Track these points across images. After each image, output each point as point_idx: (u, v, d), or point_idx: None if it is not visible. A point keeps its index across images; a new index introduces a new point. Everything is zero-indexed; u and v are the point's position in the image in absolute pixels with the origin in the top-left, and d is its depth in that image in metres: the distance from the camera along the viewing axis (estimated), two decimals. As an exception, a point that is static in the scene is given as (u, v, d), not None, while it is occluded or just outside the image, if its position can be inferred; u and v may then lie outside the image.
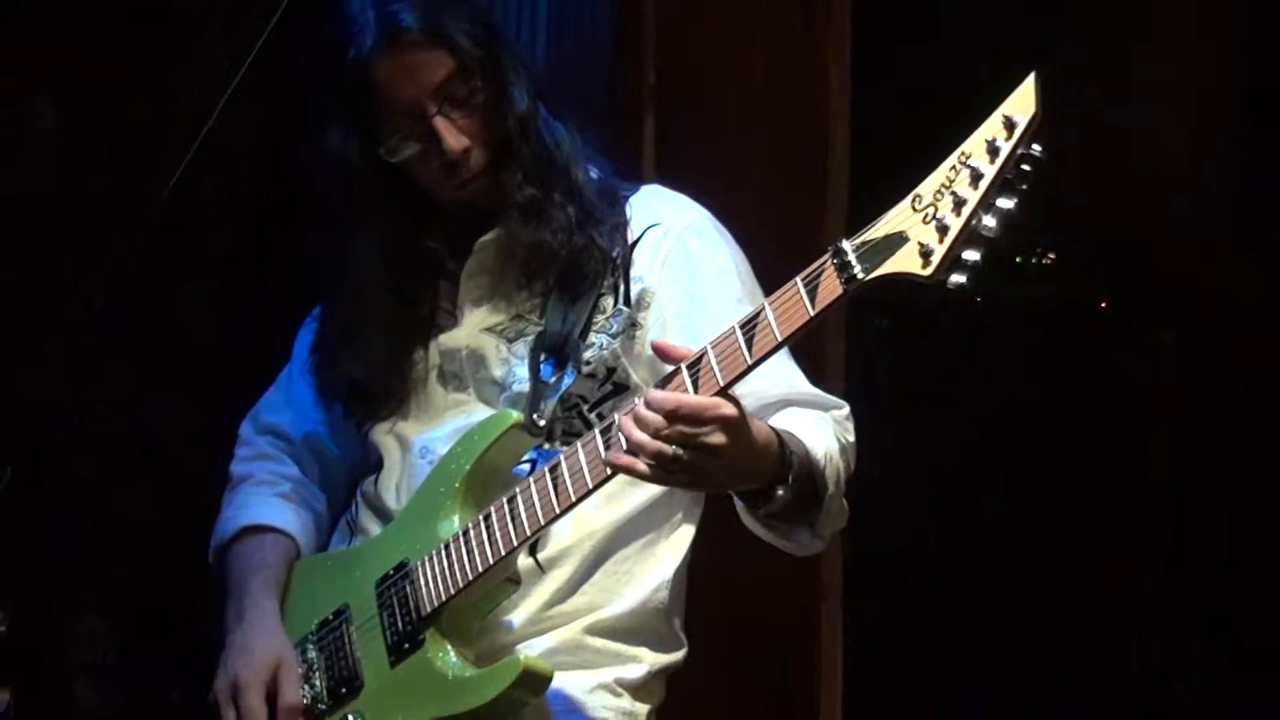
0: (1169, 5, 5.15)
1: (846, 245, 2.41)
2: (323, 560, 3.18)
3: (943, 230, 2.30)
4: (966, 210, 2.28)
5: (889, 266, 2.36)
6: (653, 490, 3.02)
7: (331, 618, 3.06)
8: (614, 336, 3.02)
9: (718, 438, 2.54)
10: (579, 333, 3.01)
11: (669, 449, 2.55)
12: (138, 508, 4.52)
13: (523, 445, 2.96)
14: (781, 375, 2.94)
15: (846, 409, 2.98)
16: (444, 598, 2.89)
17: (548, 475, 2.77)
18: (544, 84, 3.12)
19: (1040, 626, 5.05)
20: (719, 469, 2.59)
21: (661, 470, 2.58)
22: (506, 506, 2.82)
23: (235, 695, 2.98)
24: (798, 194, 4.39)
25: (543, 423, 2.96)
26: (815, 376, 4.27)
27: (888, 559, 5.02)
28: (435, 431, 3.08)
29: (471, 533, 2.87)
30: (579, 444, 2.73)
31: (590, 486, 2.72)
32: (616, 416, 2.66)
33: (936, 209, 2.31)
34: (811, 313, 2.45)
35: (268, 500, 3.24)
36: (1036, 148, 2.26)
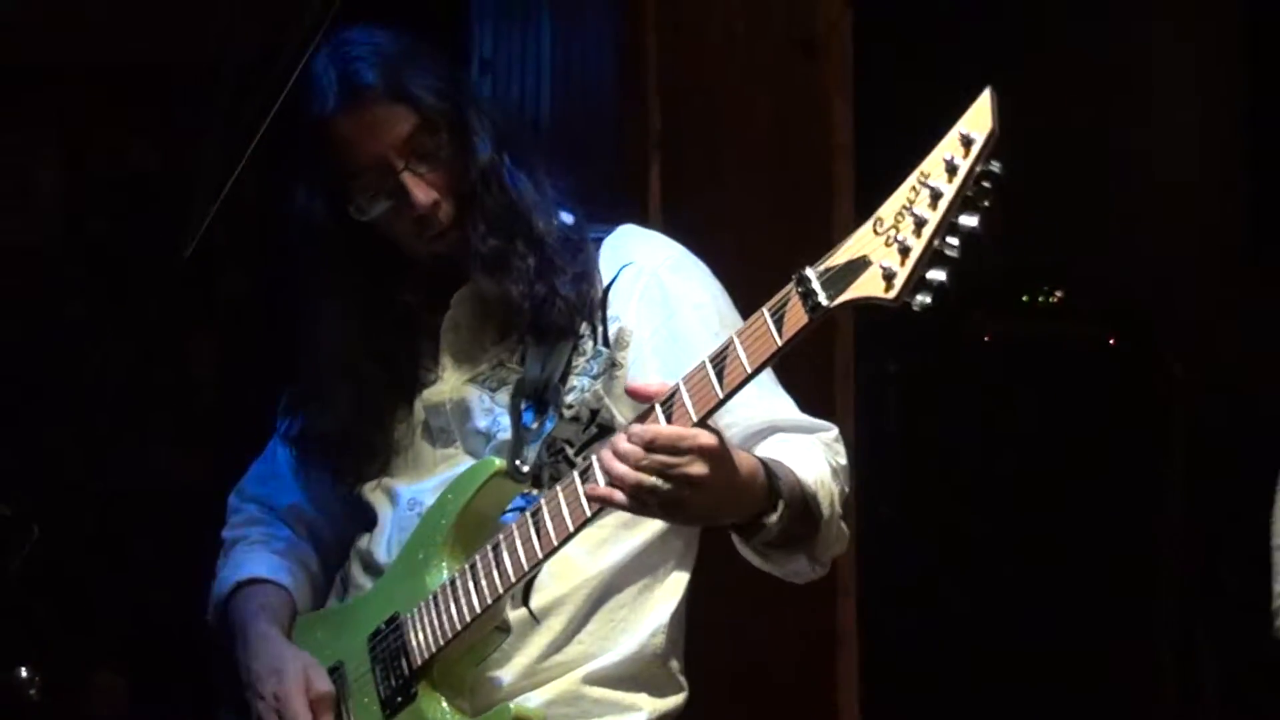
0: (1171, 47, 5.12)
1: (810, 273, 2.37)
2: (317, 618, 3.14)
3: (905, 252, 2.25)
4: (927, 230, 2.23)
5: (853, 292, 2.32)
6: (645, 536, 2.98)
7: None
8: (595, 378, 2.98)
9: (697, 468, 2.50)
10: (559, 377, 2.97)
11: (647, 480, 2.51)
12: (147, 560, 4.51)
13: (508, 492, 2.92)
14: (765, 404, 2.89)
15: (835, 431, 2.93)
16: (434, 649, 2.85)
17: (530, 520, 2.72)
18: (509, 133, 3.08)
19: (1057, 667, 4.99)
20: (701, 499, 2.54)
21: (639, 502, 2.54)
22: (491, 554, 2.78)
23: (279, 710, 2.94)
24: (804, 232, 4.35)
25: (526, 469, 2.91)
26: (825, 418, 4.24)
27: (901, 600, 4.96)
28: (424, 484, 3.05)
29: (458, 582, 2.83)
30: (558, 487, 2.69)
31: (571, 529, 2.67)
32: (594, 457, 2.62)
33: (898, 231, 2.27)
34: (779, 342, 2.40)
35: (261, 556, 3.21)
36: (995, 164, 2.21)
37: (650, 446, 2.50)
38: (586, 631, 2.97)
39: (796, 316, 2.38)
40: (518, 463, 2.92)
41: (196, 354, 4.70)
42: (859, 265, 2.31)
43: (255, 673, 3.00)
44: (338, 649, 3.01)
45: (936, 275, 2.25)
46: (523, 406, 2.97)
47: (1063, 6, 5.14)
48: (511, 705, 2.82)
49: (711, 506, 2.59)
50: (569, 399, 2.96)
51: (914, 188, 2.26)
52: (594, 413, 2.96)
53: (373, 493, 3.11)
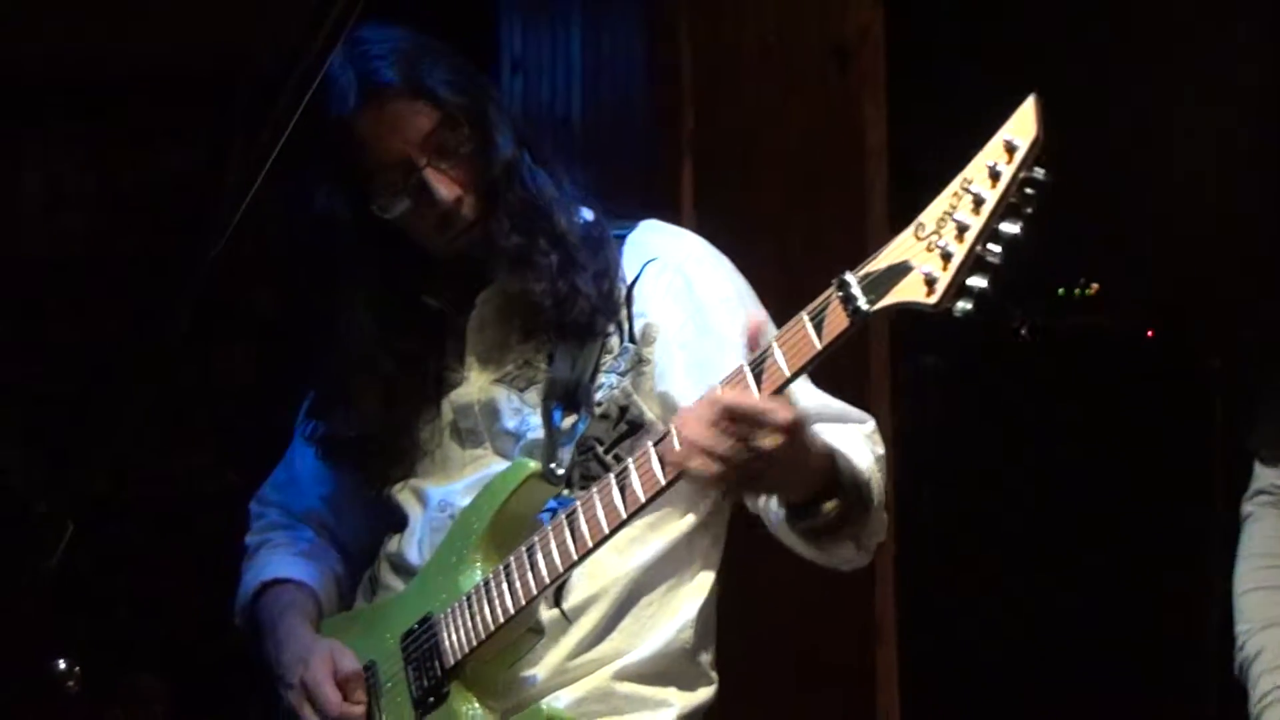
0: (1216, 40, 5.06)
1: (850, 277, 2.34)
2: (348, 618, 3.13)
3: (946, 258, 2.22)
4: (970, 236, 2.20)
5: (894, 296, 2.29)
6: (673, 535, 2.97)
7: None
8: (622, 374, 2.96)
9: (771, 440, 2.45)
10: (588, 376, 2.95)
11: (725, 447, 2.45)
12: (183, 564, 4.52)
13: (542, 494, 2.90)
14: (804, 393, 2.85)
15: (872, 423, 2.92)
16: (467, 650, 2.83)
17: (565, 523, 2.71)
18: (527, 131, 3.06)
19: (1102, 659, 4.96)
20: (774, 474, 2.51)
21: (715, 468, 2.47)
22: (525, 556, 2.77)
23: (309, 695, 2.93)
24: (839, 235, 4.34)
25: (560, 471, 2.90)
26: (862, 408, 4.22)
27: (942, 595, 4.94)
28: (454, 485, 3.03)
29: (492, 583, 2.81)
30: (594, 490, 2.67)
31: (606, 532, 2.66)
32: (629, 461, 2.61)
33: (940, 236, 2.24)
34: (819, 346, 2.38)
35: (286, 558, 3.20)
36: (1039, 171, 2.18)
37: (734, 415, 2.45)
38: (617, 630, 2.96)
39: (837, 321, 2.36)
40: (552, 465, 2.90)
41: (228, 364, 4.70)
42: (900, 270, 2.28)
43: (283, 664, 3.00)
44: (370, 648, 3.00)
45: (978, 282, 2.22)
46: (553, 407, 2.96)
47: (1098, 5, 5.10)
48: (543, 706, 2.82)
49: (779, 481, 2.58)
50: (598, 396, 2.95)
51: (956, 193, 2.23)
52: (623, 410, 2.94)
53: (400, 494, 3.10)
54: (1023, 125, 2.19)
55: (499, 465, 2.98)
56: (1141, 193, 4.97)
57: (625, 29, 4.55)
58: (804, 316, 2.40)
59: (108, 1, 4.73)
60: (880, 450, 2.87)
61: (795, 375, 2.42)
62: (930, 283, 2.24)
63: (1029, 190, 2.19)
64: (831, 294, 2.36)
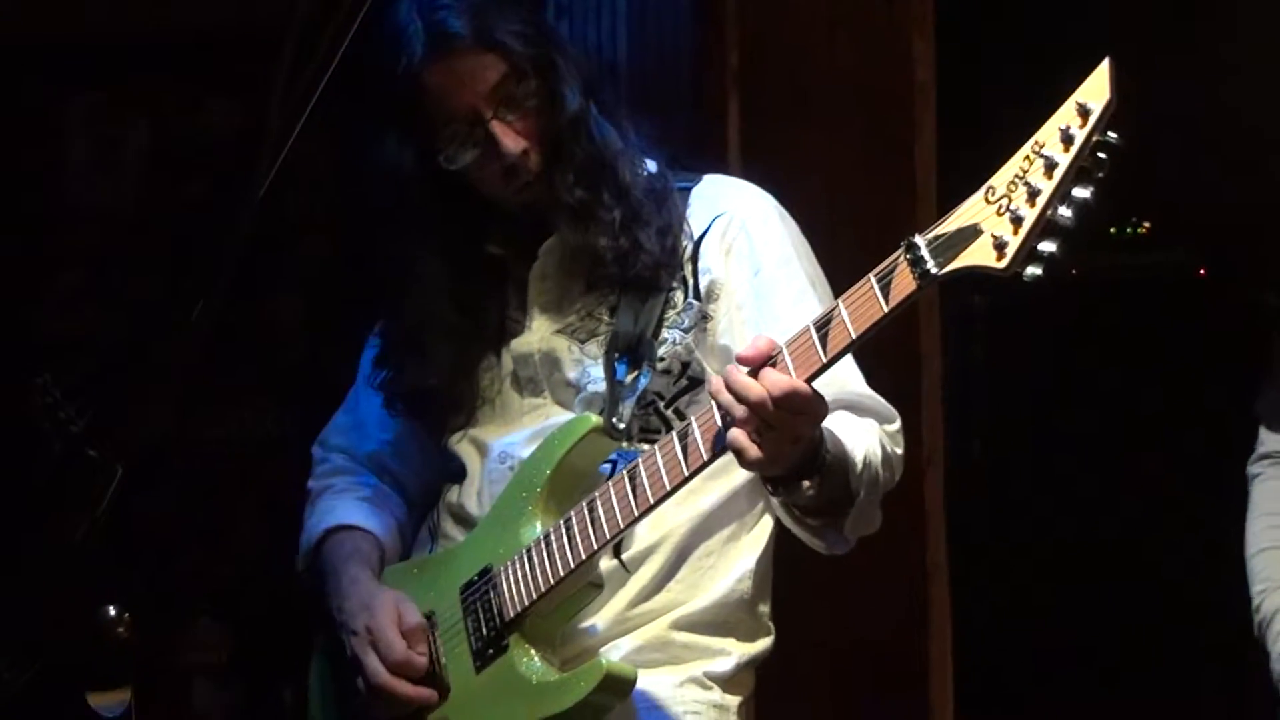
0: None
1: (919, 240, 2.34)
2: (407, 568, 3.13)
3: (1017, 222, 2.22)
4: (1041, 200, 2.20)
5: (963, 260, 2.29)
6: (733, 484, 2.97)
7: None
8: (686, 331, 2.95)
9: (807, 429, 2.52)
10: (651, 331, 2.95)
11: (758, 420, 2.49)
12: (243, 511, 4.54)
13: (603, 448, 2.90)
14: (837, 376, 2.83)
15: (898, 423, 2.92)
16: (527, 603, 2.84)
17: (626, 479, 2.71)
18: (595, 80, 3.04)
19: (1143, 601, 4.95)
20: (793, 453, 2.56)
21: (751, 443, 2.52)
22: (586, 511, 2.77)
23: (373, 642, 2.92)
24: (886, 170, 4.33)
25: (622, 425, 2.90)
26: (911, 359, 4.20)
27: (991, 540, 4.93)
28: (514, 436, 3.02)
29: (553, 537, 2.81)
30: (656, 448, 2.68)
31: (669, 488, 2.66)
32: (693, 419, 2.62)
33: (1010, 200, 2.23)
34: (885, 309, 2.38)
35: (349, 503, 3.20)
36: (1112, 135, 2.17)
37: (775, 393, 2.48)
38: (676, 580, 2.96)
39: (904, 284, 2.35)
40: (614, 420, 2.90)
41: (278, 312, 4.71)
42: (969, 234, 2.28)
43: (348, 611, 2.99)
44: (429, 598, 3.00)
45: (1048, 246, 2.22)
46: (616, 360, 2.95)
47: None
48: (604, 661, 2.80)
49: (778, 455, 2.56)
50: (661, 351, 2.95)
51: (1028, 157, 2.22)
52: (685, 365, 2.94)
53: (460, 444, 3.10)
54: (1097, 88, 2.18)
55: (558, 415, 2.99)
56: (1193, 130, 4.93)
57: (671, -31, 4.52)
58: (871, 279, 2.39)
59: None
60: (899, 451, 2.89)
61: (861, 338, 2.42)
62: (1000, 247, 2.24)
63: (1101, 154, 2.18)
64: (899, 256, 2.35)
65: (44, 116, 4.88)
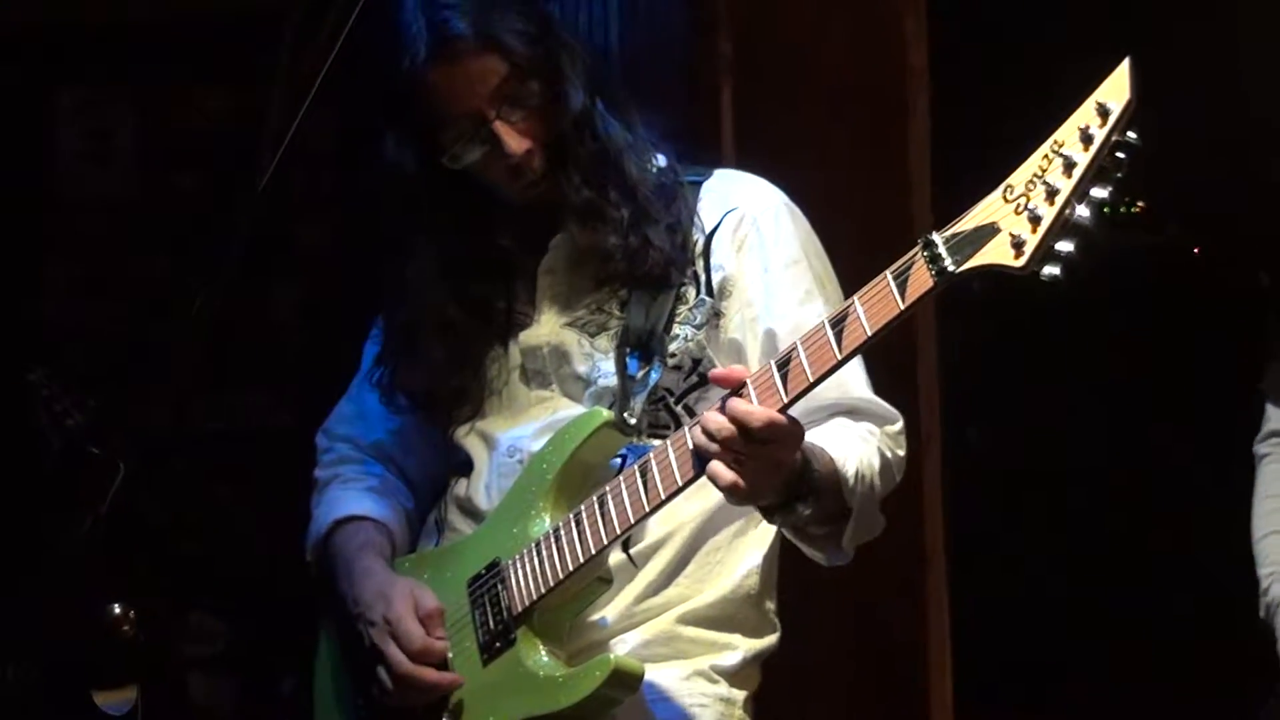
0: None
1: (937, 237, 2.34)
2: (414, 560, 3.13)
3: (1035, 220, 2.23)
4: (1060, 200, 2.21)
5: (981, 258, 2.29)
6: None
7: None
8: (698, 328, 2.96)
9: (787, 455, 2.56)
10: (663, 326, 2.95)
11: (742, 452, 2.53)
12: (239, 502, 4.53)
13: (614, 443, 2.91)
14: (840, 377, 2.82)
15: (900, 423, 2.94)
16: (535, 596, 2.85)
17: (638, 474, 2.72)
18: (602, 76, 3.04)
19: (1150, 582, 4.97)
20: (774, 481, 2.59)
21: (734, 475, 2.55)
22: (597, 505, 2.78)
23: (392, 632, 2.93)
24: (879, 155, 4.33)
25: (633, 420, 2.91)
26: (907, 341, 4.20)
27: (989, 523, 4.94)
28: (523, 429, 3.03)
29: (562, 531, 2.82)
30: (669, 442, 2.68)
31: (680, 484, 2.67)
32: (706, 415, 2.61)
33: (1029, 199, 2.24)
34: (902, 306, 2.38)
35: (357, 494, 3.20)
36: (1131, 135, 2.19)
37: (760, 423, 2.51)
38: (683, 574, 2.97)
39: (921, 281, 2.35)
40: (625, 415, 2.91)
41: (276, 300, 4.71)
42: (987, 232, 2.28)
43: (364, 603, 2.99)
44: (436, 590, 3.00)
45: (1066, 246, 2.23)
46: (627, 355, 2.96)
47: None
48: (611, 656, 2.82)
49: (765, 485, 2.61)
50: (672, 347, 2.95)
51: (1047, 156, 2.23)
52: (696, 362, 2.95)
53: (467, 436, 3.10)
54: (1117, 89, 2.18)
55: (566, 408, 3.00)
56: (1188, 108, 4.93)
57: (661, -46, 4.51)
58: (888, 275, 2.39)
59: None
60: (900, 452, 2.91)
61: (875, 335, 2.43)
62: (1018, 245, 2.24)
63: (1120, 154, 2.19)
64: (916, 253, 2.36)
65: (37, 106, 4.87)
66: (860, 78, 4.35)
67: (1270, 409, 3.04)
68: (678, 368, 2.95)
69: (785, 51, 4.37)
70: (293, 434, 3.60)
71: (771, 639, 3.06)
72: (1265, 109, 4.80)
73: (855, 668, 4.29)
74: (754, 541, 3.02)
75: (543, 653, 2.86)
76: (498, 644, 2.89)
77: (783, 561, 3.07)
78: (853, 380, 2.92)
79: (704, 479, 2.66)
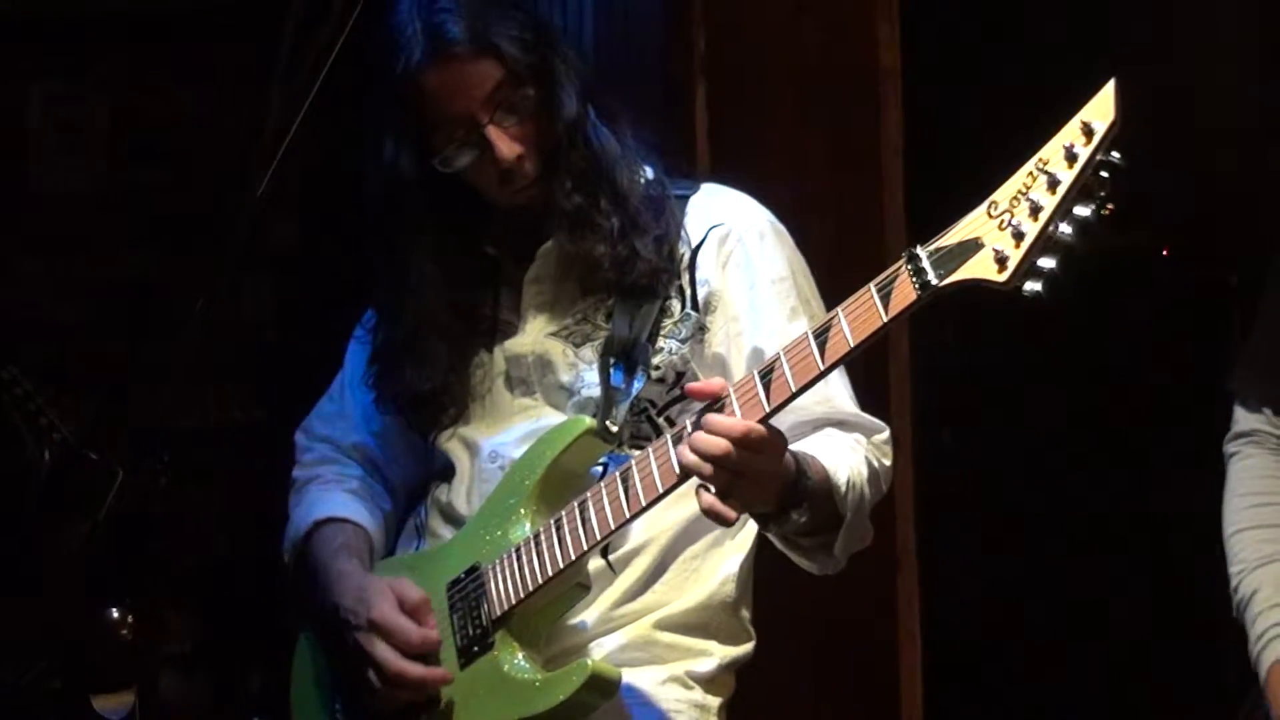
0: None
1: (920, 251, 2.37)
2: (394, 563, 3.13)
3: (1019, 237, 2.26)
4: (1043, 217, 2.25)
5: (964, 273, 2.33)
6: None
7: None
8: (683, 341, 2.98)
9: (771, 466, 2.58)
10: (647, 337, 2.96)
11: (720, 475, 2.55)
12: (207, 501, 4.53)
13: (595, 451, 2.92)
14: (825, 392, 2.91)
15: (886, 433, 2.96)
16: (514, 601, 2.85)
17: (619, 480, 2.73)
18: (594, 85, 3.05)
19: (1118, 583, 4.99)
20: (760, 494, 2.61)
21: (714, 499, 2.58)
22: (578, 511, 2.79)
23: (383, 633, 2.90)
24: (852, 155, 4.35)
25: (616, 429, 2.92)
26: (879, 342, 4.22)
27: (961, 524, 4.96)
28: (505, 436, 3.04)
29: (543, 536, 2.83)
30: (650, 449, 2.70)
31: (661, 491, 2.68)
32: (687, 423, 2.63)
33: (1012, 215, 2.27)
34: (885, 318, 2.41)
35: (337, 496, 3.20)
36: (1115, 155, 2.22)
37: (733, 437, 2.53)
38: (661, 581, 2.99)
39: (904, 294, 2.38)
40: (607, 423, 2.92)
41: (247, 299, 4.70)
42: (971, 247, 2.32)
43: (344, 607, 2.97)
44: None
45: (1048, 263, 2.27)
46: (611, 365, 2.97)
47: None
48: (589, 661, 2.82)
49: (756, 498, 2.64)
50: (656, 359, 2.96)
51: (1031, 173, 2.26)
52: (680, 375, 2.97)
53: (449, 442, 3.10)
54: (1102, 109, 2.22)
55: (550, 416, 3.01)
56: (1154, 113, 4.94)
57: (637, -47, 4.52)
58: (871, 288, 2.42)
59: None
60: (887, 462, 2.93)
61: (859, 347, 2.46)
62: (1001, 261, 2.28)
63: (1104, 174, 2.23)
64: (900, 266, 2.39)
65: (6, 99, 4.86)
66: (833, 78, 4.37)
67: (1238, 409, 3.06)
68: (661, 380, 2.96)
69: (758, 52, 4.39)
70: (257, 431, 3.61)
71: (747, 647, 3.08)
72: (1217, 107, 4.86)
73: (826, 670, 4.31)
74: (731, 550, 3.04)
75: (520, 657, 2.86)
76: (475, 648, 2.89)
77: (754, 563, 3.09)
78: (838, 395, 2.95)
79: (685, 485, 2.67)
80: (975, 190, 2.34)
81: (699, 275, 3.00)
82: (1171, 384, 5.04)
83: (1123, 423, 5.07)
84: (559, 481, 2.91)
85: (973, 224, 2.32)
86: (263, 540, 3.31)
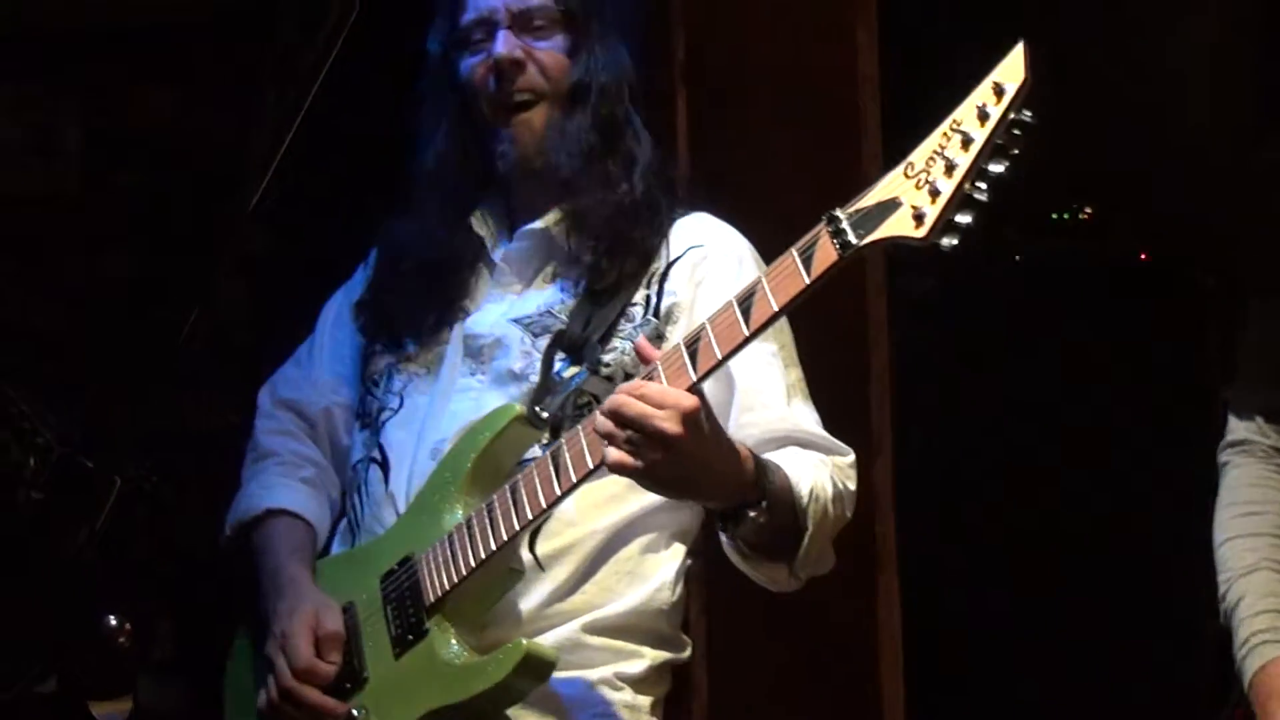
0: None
1: (840, 213, 2.40)
2: (331, 561, 3.13)
3: (935, 194, 2.29)
4: (958, 173, 2.28)
5: (883, 231, 2.34)
6: (652, 498, 2.94)
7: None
8: None
9: (672, 425, 2.51)
10: (600, 336, 2.96)
11: (621, 433, 2.54)
12: (185, 507, 4.53)
13: (527, 438, 2.90)
14: (791, 412, 2.91)
15: (851, 457, 2.93)
16: (448, 586, 2.84)
17: (549, 460, 2.72)
18: (635, 87, 3.13)
19: (1093, 579, 4.97)
20: (674, 463, 2.55)
21: (620, 455, 2.56)
22: (509, 493, 2.77)
23: (284, 645, 2.93)
24: (832, 161, 4.34)
25: (545, 415, 2.89)
26: (858, 342, 4.20)
27: (936, 523, 4.95)
28: (445, 429, 3.01)
29: (474, 521, 2.81)
30: (579, 427, 2.68)
31: (590, 466, 2.66)
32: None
33: (929, 174, 2.30)
34: (807, 280, 2.43)
35: (293, 485, 3.21)
36: (1027, 113, 2.24)
37: (633, 394, 2.54)
38: (591, 582, 2.95)
39: (826, 255, 2.41)
40: (537, 409, 2.90)
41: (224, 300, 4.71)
42: (889, 206, 2.33)
43: (278, 613, 3.00)
44: (352, 589, 3.00)
45: (964, 218, 2.29)
46: (557, 357, 2.97)
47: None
48: (524, 641, 2.79)
49: (684, 474, 2.59)
50: (607, 358, 2.95)
51: (945, 134, 2.30)
52: (629, 376, 2.90)
53: (395, 431, 3.09)
54: (1012, 69, 2.26)
55: (491, 400, 2.99)
56: (1132, 115, 4.96)
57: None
58: (793, 252, 2.44)
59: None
60: (850, 486, 2.90)
61: (783, 310, 2.46)
62: (919, 217, 2.30)
63: (1016, 131, 2.25)
64: (821, 229, 2.41)
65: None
66: (811, 85, 4.36)
67: (1231, 418, 3.07)
68: (609, 378, 2.93)
69: (737, 60, 4.40)
70: (236, 434, 3.62)
71: (683, 654, 3.04)
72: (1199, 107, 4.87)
73: (808, 669, 4.28)
74: (667, 556, 3.00)
75: (454, 642, 2.84)
76: (410, 636, 2.88)
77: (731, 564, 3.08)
78: (803, 416, 2.94)
79: (616, 484, 2.74)
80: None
81: (668, 286, 3.01)
82: (1155, 387, 5.03)
83: (1107, 425, 5.05)
84: (491, 468, 2.89)
85: (891, 184, 2.34)
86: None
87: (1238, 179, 4.67)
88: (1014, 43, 2.29)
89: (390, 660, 2.90)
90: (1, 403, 3.90)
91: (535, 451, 2.90)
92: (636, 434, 2.52)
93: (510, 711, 2.84)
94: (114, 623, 3.38)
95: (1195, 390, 4.77)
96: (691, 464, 2.56)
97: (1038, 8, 4.64)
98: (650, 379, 2.57)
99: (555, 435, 2.87)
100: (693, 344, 2.54)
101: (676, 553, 3.00)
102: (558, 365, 2.96)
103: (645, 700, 2.97)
